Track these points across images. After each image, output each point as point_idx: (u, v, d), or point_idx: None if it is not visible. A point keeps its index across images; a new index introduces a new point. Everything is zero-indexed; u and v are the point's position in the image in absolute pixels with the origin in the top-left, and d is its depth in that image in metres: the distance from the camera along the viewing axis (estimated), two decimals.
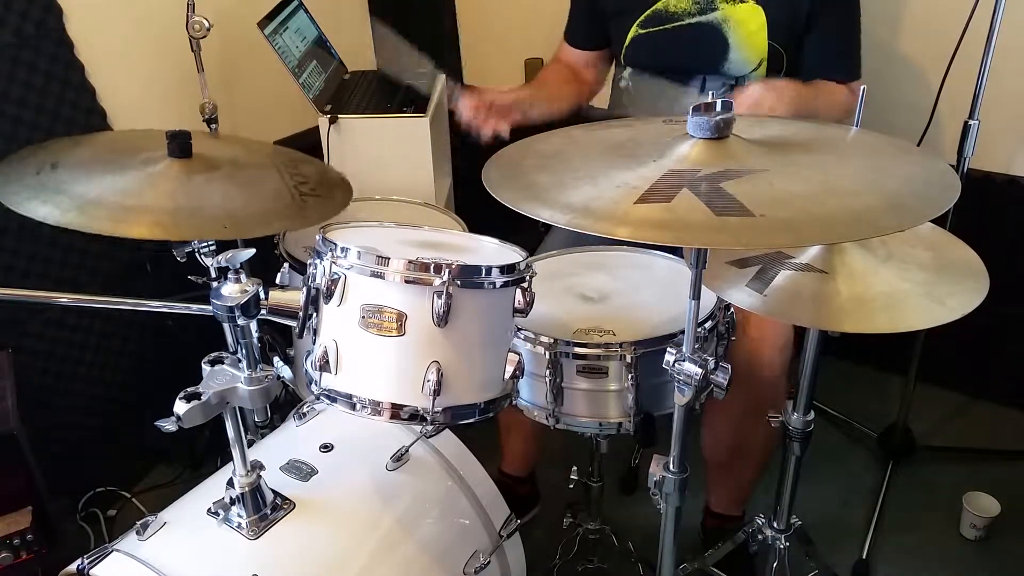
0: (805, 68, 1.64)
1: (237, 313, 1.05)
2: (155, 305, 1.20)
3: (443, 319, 1.01)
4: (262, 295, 1.07)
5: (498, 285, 1.06)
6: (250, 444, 1.32)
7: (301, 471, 1.27)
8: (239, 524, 1.16)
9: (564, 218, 0.89)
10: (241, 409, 1.13)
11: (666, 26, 1.65)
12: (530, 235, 1.72)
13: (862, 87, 1.19)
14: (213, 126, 1.79)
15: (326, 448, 1.32)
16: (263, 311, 1.08)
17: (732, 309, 1.32)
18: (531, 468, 1.88)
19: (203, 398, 1.05)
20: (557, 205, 0.92)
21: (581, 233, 0.88)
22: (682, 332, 1.04)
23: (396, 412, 1.05)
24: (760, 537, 1.46)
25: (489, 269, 1.05)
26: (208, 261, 1.39)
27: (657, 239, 0.87)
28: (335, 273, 1.04)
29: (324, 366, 1.06)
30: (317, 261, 1.06)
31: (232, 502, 1.17)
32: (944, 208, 0.91)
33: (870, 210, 0.90)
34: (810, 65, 1.64)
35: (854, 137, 1.13)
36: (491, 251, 1.23)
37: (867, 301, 1.06)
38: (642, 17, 1.68)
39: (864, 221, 0.88)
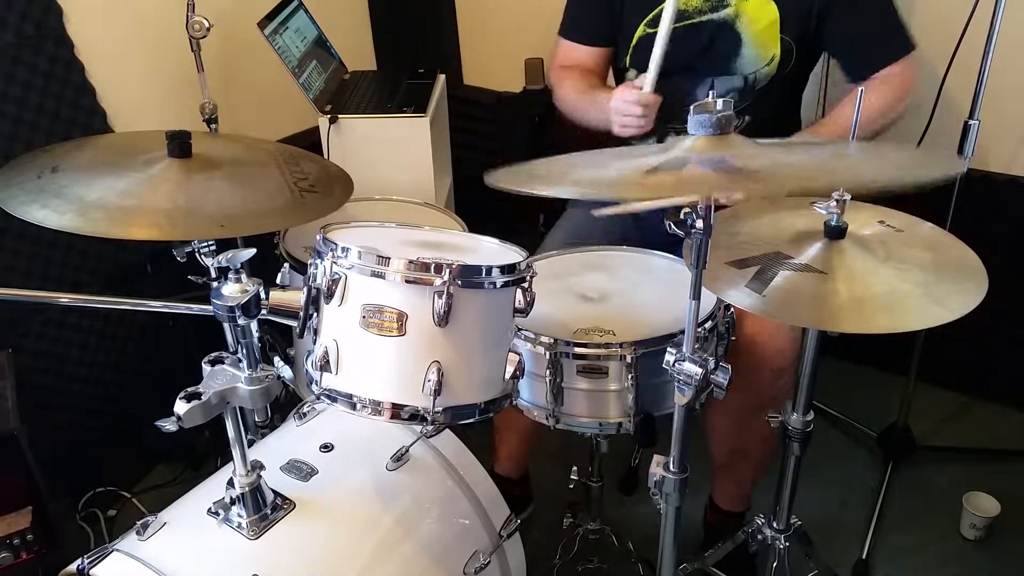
0: (847, 64, 1.61)
1: (237, 313, 1.04)
2: (155, 305, 1.20)
3: (443, 319, 1.01)
4: (262, 295, 1.07)
5: (498, 285, 1.06)
6: (250, 444, 1.32)
7: (301, 471, 1.27)
8: (239, 524, 1.16)
9: (578, 190, 0.89)
10: (241, 409, 1.13)
11: (675, 24, 1.59)
12: (530, 235, 1.72)
13: (859, 89, 1.19)
14: (213, 126, 1.79)
15: (326, 448, 1.32)
16: (263, 311, 1.08)
17: (732, 309, 1.32)
18: (524, 470, 1.88)
19: (203, 398, 1.05)
20: (568, 181, 0.92)
21: (580, 233, 0.88)
22: (682, 332, 1.04)
23: (396, 412, 1.05)
24: (760, 537, 1.46)
25: (489, 269, 1.05)
26: (208, 261, 1.39)
27: (674, 194, 0.87)
28: (336, 273, 1.04)
29: (325, 366, 1.06)
30: (318, 261, 1.06)
31: (232, 502, 1.17)
32: (952, 172, 0.93)
33: (876, 175, 0.91)
34: (850, 60, 1.60)
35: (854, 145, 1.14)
36: (491, 251, 1.23)
37: (866, 301, 1.06)
38: (651, 15, 1.64)
39: (872, 178, 0.90)
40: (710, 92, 1.11)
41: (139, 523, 1.17)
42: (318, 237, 1.08)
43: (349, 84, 2.07)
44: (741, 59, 1.61)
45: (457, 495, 1.35)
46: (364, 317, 1.03)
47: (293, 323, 1.09)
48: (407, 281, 1.02)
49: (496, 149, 2.59)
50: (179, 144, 1.32)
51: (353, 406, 1.06)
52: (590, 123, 1.69)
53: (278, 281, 1.19)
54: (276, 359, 1.46)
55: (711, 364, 1.02)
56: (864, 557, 1.79)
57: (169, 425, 1.04)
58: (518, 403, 1.29)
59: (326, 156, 1.88)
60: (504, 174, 1.05)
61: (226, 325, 1.11)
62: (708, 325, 1.25)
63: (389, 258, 1.02)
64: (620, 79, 1.83)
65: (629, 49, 1.71)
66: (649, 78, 1.51)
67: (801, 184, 0.92)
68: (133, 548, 1.14)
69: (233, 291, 1.05)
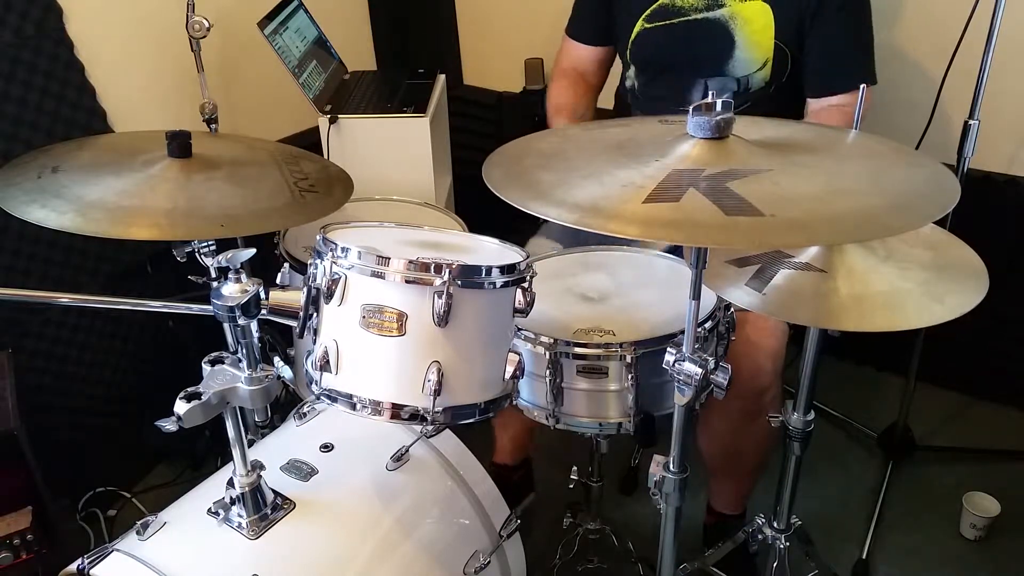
0: (809, 77, 1.61)
1: (237, 313, 1.04)
2: (155, 305, 1.20)
3: (443, 319, 1.01)
4: (262, 295, 1.07)
5: (498, 285, 1.06)
6: (250, 444, 1.32)
7: (301, 471, 1.27)
8: (239, 524, 1.16)
9: (573, 217, 0.89)
10: (241, 409, 1.13)
11: (672, 20, 1.63)
12: (530, 235, 1.72)
13: (861, 87, 1.19)
14: (213, 126, 1.79)
15: (326, 448, 1.32)
16: (263, 311, 1.08)
17: (732, 309, 1.32)
18: (525, 456, 1.87)
19: (203, 398, 1.05)
20: (565, 204, 0.91)
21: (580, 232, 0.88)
22: (682, 332, 1.04)
23: (396, 412, 1.05)
24: (760, 537, 1.46)
25: (489, 269, 1.05)
26: (208, 261, 1.39)
27: (669, 238, 0.86)
28: (335, 273, 1.04)
29: (324, 366, 1.06)
30: (317, 261, 1.06)
31: (232, 502, 1.17)
32: (949, 207, 0.91)
33: (877, 210, 0.90)
34: (813, 74, 1.61)
35: (852, 140, 1.13)
36: (491, 251, 1.23)
37: (867, 299, 1.06)
38: (648, 11, 1.66)
39: (873, 221, 0.88)
40: (709, 92, 1.11)
41: (139, 523, 1.17)
42: (318, 237, 1.08)
43: (349, 84, 2.07)
44: (734, 61, 1.62)
45: (457, 495, 1.35)
46: (364, 317, 1.03)
47: (293, 323, 1.09)
48: (407, 281, 1.01)
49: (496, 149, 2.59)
50: (179, 144, 1.32)
51: (353, 406, 1.06)
52: None
53: (278, 281, 1.19)
54: (276, 359, 1.46)
55: (711, 364, 1.02)
56: (864, 557, 1.79)
57: (169, 425, 1.04)
58: (518, 403, 1.29)
59: (326, 156, 1.88)
60: (500, 158, 1.05)
61: (226, 325, 1.11)
62: (708, 325, 1.25)
63: (389, 258, 1.02)
64: (621, 79, 1.84)
65: (628, 45, 1.72)
66: None
67: (797, 235, 0.90)
68: (133, 548, 1.14)
69: (233, 291, 1.05)
